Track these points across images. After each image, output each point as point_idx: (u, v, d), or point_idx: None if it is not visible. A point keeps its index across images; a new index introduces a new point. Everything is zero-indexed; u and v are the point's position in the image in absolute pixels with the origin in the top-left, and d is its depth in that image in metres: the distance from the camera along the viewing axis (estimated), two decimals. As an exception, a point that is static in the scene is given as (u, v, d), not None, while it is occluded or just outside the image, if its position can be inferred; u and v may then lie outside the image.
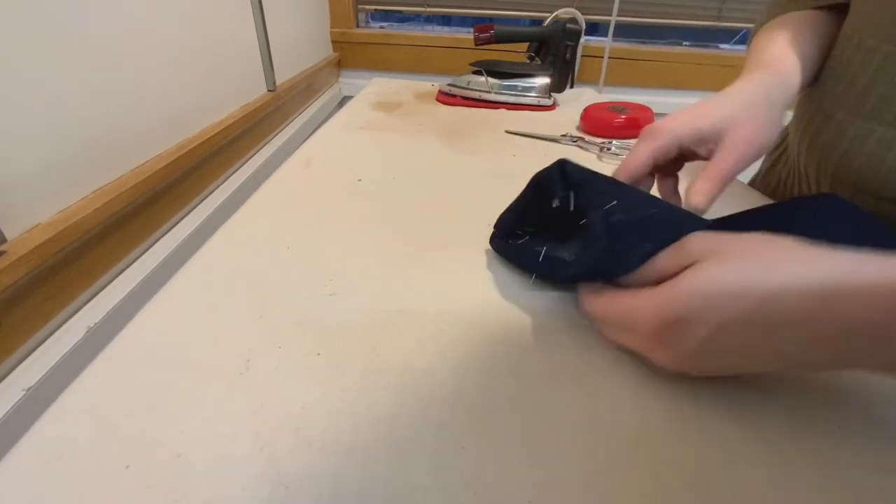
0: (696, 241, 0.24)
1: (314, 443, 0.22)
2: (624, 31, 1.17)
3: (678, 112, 0.34)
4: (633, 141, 0.66)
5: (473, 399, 0.24)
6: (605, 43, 1.13)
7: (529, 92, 0.78)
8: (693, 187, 0.30)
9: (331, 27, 1.17)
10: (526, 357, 0.27)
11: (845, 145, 0.37)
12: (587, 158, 0.58)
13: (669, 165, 0.34)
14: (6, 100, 0.37)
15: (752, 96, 0.33)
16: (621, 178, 0.32)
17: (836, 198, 0.34)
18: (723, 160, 0.30)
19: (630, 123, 0.65)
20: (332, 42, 1.19)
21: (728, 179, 0.30)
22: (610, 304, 0.26)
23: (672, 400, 0.24)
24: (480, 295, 0.32)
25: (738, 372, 0.24)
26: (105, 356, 0.26)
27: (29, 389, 0.36)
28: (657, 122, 0.33)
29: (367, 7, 1.22)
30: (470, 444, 0.22)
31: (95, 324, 0.43)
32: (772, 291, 0.20)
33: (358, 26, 1.22)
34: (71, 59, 0.43)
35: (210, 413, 0.23)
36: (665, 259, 0.25)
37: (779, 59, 0.38)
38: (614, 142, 0.62)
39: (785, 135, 0.51)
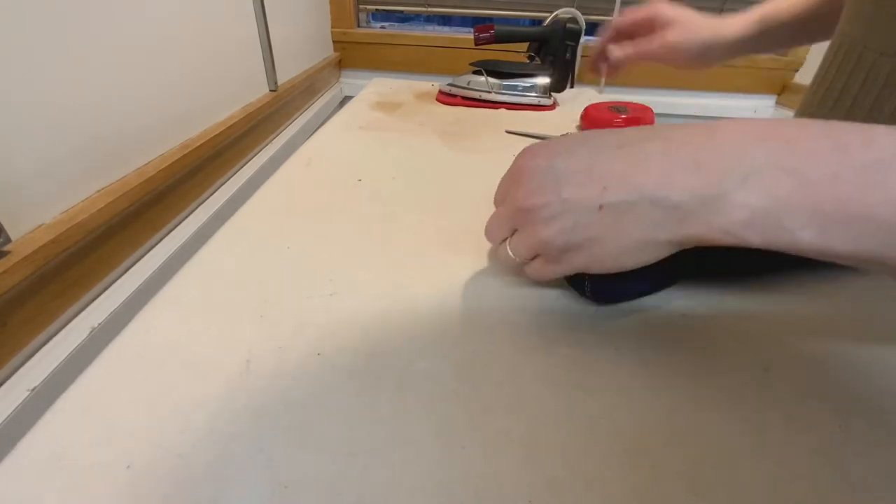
0: None
1: (314, 443, 0.22)
2: (625, 31, 1.17)
3: None
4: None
5: (473, 399, 0.24)
6: (606, 42, 1.13)
7: (529, 92, 0.77)
8: (619, 49, 0.43)
9: (332, 27, 1.17)
10: (526, 357, 0.27)
11: None
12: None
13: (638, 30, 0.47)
14: (8, 101, 0.37)
15: (717, 32, 0.43)
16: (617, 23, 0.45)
17: None
18: (650, 43, 0.42)
19: (630, 123, 0.65)
20: (333, 42, 1.19)
21: (643, 57, 0.43)
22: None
23: (672, 399, 0.24)
24: (480, 295, 0.32)
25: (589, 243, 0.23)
26: (105, 356, 0.26)
27: (33, 390, 0.36)
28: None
29: (368, 7, 1.22)
30: (470, 444, 0.22)
31: (99, 324, 0.43)
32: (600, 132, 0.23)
33: (359, 26, 1.22)
34: (72, 60, 0.43)
35: (210, 413, 0.23)
36: None
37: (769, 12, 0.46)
38: (615, 141, 0.62)
39: None
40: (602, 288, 0.29)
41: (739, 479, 0.21)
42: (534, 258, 0.27)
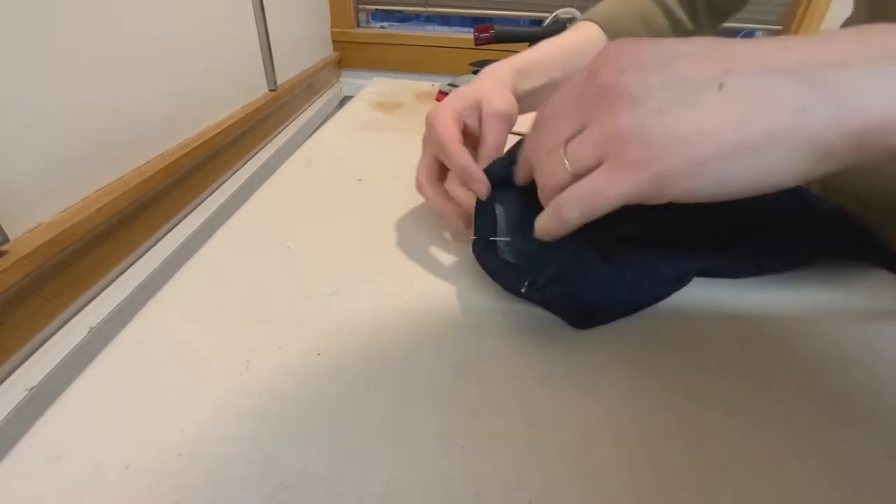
0: None
1: (314, 443, 0.22)
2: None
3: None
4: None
5: (473, 399, 0.24)
6: (606, 42, 1.13)
7: (530, 92, 0.77)
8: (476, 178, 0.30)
9: (331, 27, 1.17)
10: (526, 357, 0.27)
11: None
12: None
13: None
14: (7, 101, 0.37)
15: (502, 75, 0.35)
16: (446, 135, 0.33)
17: None
18: (485, 141, 0.32)
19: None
20: (333, 41, 1.19)
21: (495, 155, 0.32)
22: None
23: (672, 399, 0.24)
24: (480, 295, 0.32)
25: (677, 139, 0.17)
26: (105, 356, 0.26)
27: (31, 389, 0.36)
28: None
29: (368, 7, 1.22)
30: (470, 444, 0.22)
31: (97, 324, 0.43)
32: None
33: (359, 26, 1.22)
34: (71, 60, 0.43)
35: (210, 413, 0.23)
36: None
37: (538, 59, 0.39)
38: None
39: None
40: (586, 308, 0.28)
41: (739, 480, 0.21)
42: (595, 168, 0.20)
